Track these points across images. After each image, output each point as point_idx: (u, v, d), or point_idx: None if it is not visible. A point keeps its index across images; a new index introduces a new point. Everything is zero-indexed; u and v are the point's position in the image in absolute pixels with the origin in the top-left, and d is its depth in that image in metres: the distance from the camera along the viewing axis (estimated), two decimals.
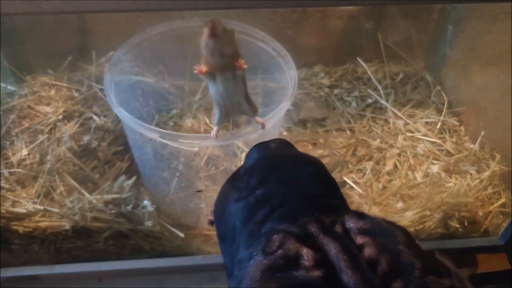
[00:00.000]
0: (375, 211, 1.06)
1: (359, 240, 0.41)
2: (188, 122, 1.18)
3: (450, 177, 1.11)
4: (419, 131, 1.22)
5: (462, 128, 1.23)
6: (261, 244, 0.43)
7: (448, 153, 1.17)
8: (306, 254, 0.40)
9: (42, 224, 0.97)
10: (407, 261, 0.39)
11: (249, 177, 0.55)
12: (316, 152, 1.20)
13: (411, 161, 1.15)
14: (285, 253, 0.40)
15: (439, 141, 1.19)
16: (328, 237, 0.41)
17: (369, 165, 1.15)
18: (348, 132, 1.23)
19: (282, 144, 0.62)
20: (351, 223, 0.43)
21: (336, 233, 0.42)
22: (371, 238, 0.41)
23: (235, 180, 0.57)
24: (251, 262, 0.42)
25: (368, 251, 0.40)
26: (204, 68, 0.76)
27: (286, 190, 0.51)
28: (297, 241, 0.41)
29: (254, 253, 0.43)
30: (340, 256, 0.39)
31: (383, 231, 0.43)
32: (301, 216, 0.46)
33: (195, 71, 0.77)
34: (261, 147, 0.61)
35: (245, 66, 0.76)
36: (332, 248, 0.40)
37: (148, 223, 1.00)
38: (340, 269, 0.38)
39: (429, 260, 0.41)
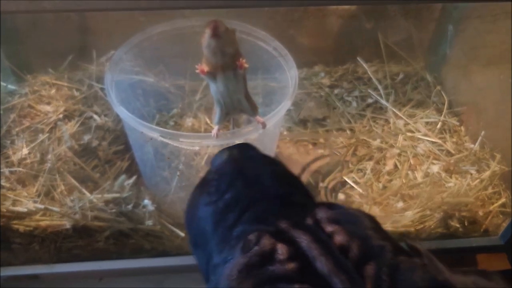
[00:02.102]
0: (375, 211, 1.06)
1: (329, 228, 0.43)
2: (189, 121, 1.18)
3: (451, 177, 1.11)
4: (419, 131, 1.22)
5: (462, 128, 1.23)
6: (236, 247, 0.44)
7: (448, 153, 1.17)
8: (280, 249, 0.40)
9: (42, 223, 0.97)
10: (377, 244, 0.41)
11: (217, 181, 0.55)
12: (316, 152, 1.20)
13: (411, 161, 1.15)
14: (261, 250, 0.41)
15: (439, 141, 1.19)
16: (299, 230, 0.42)
17: (369, 165, 1.15)
18: (348, 132, 1.23)
19: (245, 147, 0.62)
20: (321, 214, 0.44)
21: (307, 225, 0.43)
22: (340, 226, 0.42)
23: (204, 185, 0.57)
24: (227, 265, 0.43)
25: (339, 238, 0.41)
26: (205, 68, 0.76)
27: (253, 192, 0.52)
28: (272, 237, 0.42)
29: (229, 257, 0.43)
30: (312, 245, 0.40)
31: (351, 218, 0.44)
32: (270, 216, 0.47)
33: (197, 71, 0.77)
34: (225, 152, 0.61)
35: (246, 65, 0.76)
36: (303, 240, 0.41)
37: (149, 223, 1.00)
38: (313, 257, 0.39)
39: (398, 243, 0.42)
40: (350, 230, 0.42)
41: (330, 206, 0.46)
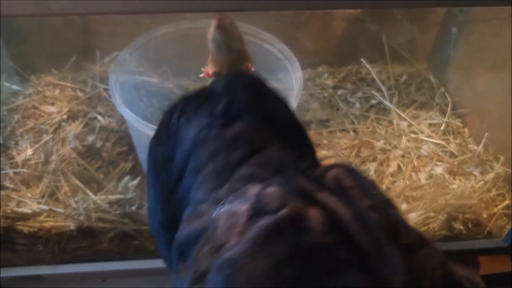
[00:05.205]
0: None
1: (363, 202, 0.38)
2: None
3: (454, 178, 1.11)
4: (423, 132, 1.21)
5: (466, 129, 1.23)
6: (241, 191, 0.38)
7: (452, 155, 1.17)
8: (315, 217, 0.35)
9: (47, 224, 0.97)
10: (406, 230, 0.38)
11: (227, 103, 0.47)
12: (320, 153, 1.20)
13: (415, 163, 1.15)
14: (289, 214, 0.35)
15: (443, 142, 1.19)
16: (332, 197, 0.37)
17: (373, 166, 1.14)
18: (352, 133, 1.23)
19: (261, 80, 0.55)
20: (348, 181, 0.40)
21: (335, 190, 0.39)
22: (374, 201, 0.38)
23: (203, 101, 0.49)
24: (223, 208, 0.37)
25: (374, 216, 0.37)
26: (211, 70, 0.76)
27: (268, 132, 0.46)
28: (301, 200, 0.36)
29: (230, 198, 0.38)
30: (354, 221, 0.35)
31: (378, 192, 0.41)
32: (284, 166, 0.42)
33: (202, 75, 0.76)
34: (239, 75, 0.55)
35: (252, 69, 0.75)
36: (344, 211, 0.36)
37: None
38: (358, 237, 0.35)
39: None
40: (382, 208, 0.38)
41: (349, 170, 0.41)
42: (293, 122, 0.51)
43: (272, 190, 0.37)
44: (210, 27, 0.71)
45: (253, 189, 0.38)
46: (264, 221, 0.35)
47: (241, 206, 0.36)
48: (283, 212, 0.35)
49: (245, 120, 0.45)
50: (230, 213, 0.36)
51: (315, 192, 0.37)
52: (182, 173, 0.45)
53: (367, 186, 0.40)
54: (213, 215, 0.37)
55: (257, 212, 0.36)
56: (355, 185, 0.39)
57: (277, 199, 0.36)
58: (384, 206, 0.39)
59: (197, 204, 0.41)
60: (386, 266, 0.33)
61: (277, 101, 0.52)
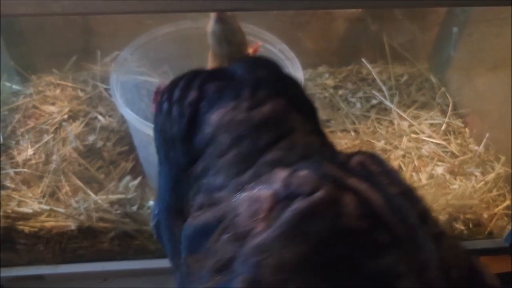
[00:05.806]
0: None
1: (392, 188, 0.37)
2: None
3: (455, 179, 1.11)
4: (423, 133, 1.21)
5: (467, 129, 1.23)
6: (266, 176, 0.37)
7: (453, 155, 1.17)
8: (350, 202, 0.34)
9: (47, 224, 0.97)
10: (432, 218, 0.37)
11: (252, 86, 0.46)
12: None
13: (416, 163, 1.15)
14: (325, 197, 0.34)
15: (443, 142, 1.19)
16: (362, 182, 0.36)
17: None
18: (352, 133, 1.23)
19: (279, 64, 0.54)
20: (374, 167, 0.39)
21: (363, 176, 0.37)
22: (401, 188, 0.38)
23: (230, 84, 0.47)
24: (245, 193, 0.36)
25: (404, 202, 0.37)
26: (211, 68, 0.76)
27: (293, 117, 0.45)
28: (334, 184, 0.35)
29: (252, 184, 0.37)
30: (387, 206, 0.34)
31: (403, 179, 0.40)
32: (311, 152, 0.41)
33: None
34: (265, 60, 0.52)
35: (261, 49, 0.75)
36: (376, 197, 0.35)
37: None
38: (389, 216, 0.34)
39: None
40: (408, 196, 0.37)
41: (373, 157, 0.40)
42: (313, 108, 0.50)
43: (304, 173, 0.36)
44: (210, 21, 0.70)
45: (281, 174, 0.36)
46: (297, 205, 0.33)
47: (265, 191, 0.35)
48: (318, 195, 0.34)
49: (272, 104, 0.44)
50: (253, 199, 0.35)
51: (345, 178, 0.36)
52: (197, 158, 0.44)
53: (393, 173, 0.39)
54: (233, 202, 0.36)
55: (284, 196, 0.34)
56: (382, 171, 0.38)
57: (310, 183, 0.35)
58: (410, 193, 0.38)
59: (213, 191, 0.40)
60: (422, 251, 0.33)
61: (297, 86, 0.51)
